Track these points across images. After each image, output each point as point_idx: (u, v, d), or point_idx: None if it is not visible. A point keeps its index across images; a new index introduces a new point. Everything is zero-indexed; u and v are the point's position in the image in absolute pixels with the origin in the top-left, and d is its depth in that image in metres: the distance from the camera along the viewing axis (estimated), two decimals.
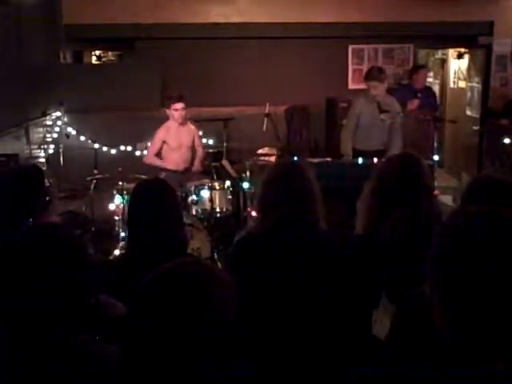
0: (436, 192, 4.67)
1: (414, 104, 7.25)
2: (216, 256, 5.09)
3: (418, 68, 7.89)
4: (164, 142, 5.87)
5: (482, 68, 8.67)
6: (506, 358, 1.13)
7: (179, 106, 5.74)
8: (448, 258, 1.19)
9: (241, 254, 2.66)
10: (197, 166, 6.02)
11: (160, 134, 5.85)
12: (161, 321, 1.27)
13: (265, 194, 2.67)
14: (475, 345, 1.15)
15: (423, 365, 1.27)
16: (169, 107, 5.80)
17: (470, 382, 1.15)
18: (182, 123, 5.85)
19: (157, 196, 2.58)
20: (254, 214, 5.52)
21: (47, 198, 2.68)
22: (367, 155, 5.53)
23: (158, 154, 5.92)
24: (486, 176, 2.42)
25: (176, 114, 5.75)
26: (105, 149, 7.02)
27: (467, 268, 1.15)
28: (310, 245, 2.56)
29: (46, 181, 2.78)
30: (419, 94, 7.37)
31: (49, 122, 7.27)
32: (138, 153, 7.10)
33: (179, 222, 2.63)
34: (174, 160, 5.86)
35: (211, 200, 5.35)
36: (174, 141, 5.86)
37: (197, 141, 6.06)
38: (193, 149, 6.03)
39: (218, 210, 5.48)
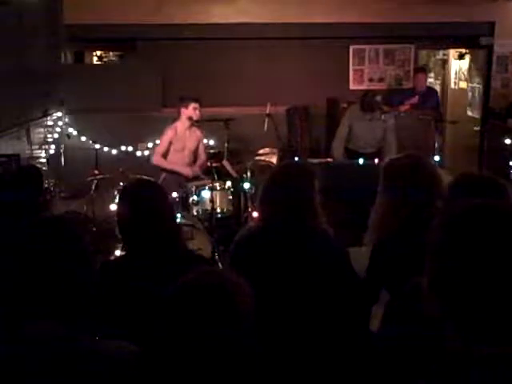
0: None
1: (410, 101, 7.26)
2: (217, 257, 5.09)
3: (416, 72, 7.91)
4: (170, 142, 5.89)
5: (483, 69, 8.66)
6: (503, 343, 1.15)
7: (197, 105, 5.82)
8: (446, 250, 1.20)
9: (240, 250, 2.68)
10: (197, 168, 6.03)
11: (168, 135, 5.87)
12: (189, 332, 1.32)
13: (266, 193, 2.68)
14: (474, 335, 1.16)
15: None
16: (186, 107, 5.82)
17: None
18: (190, 126, 5.88)
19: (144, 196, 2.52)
20: (254, 214, 5.56)
21: (47, 198, 2.69)
22: (361, 156, 5.63)
23: (163, 155, 5.95)
24: (466, 175, 2.42)
25: (195, 113, 5.81)
26: (106, 149, 7.03)
27: (465, 260, 1.16)
28: (307, 242, 2.57)
29: (46, 181, 2.78)
30: (417, 96, 7.37)
31: (50, 123, 7.27)
32: (138, 153, 7.10)
33: (171, 223, 2.56)
34: (176, 161, 5.88)
35: (212, 200, 5.35)
36: (179, 143, 5.89)
37: (201, 147, 6.12)
38: (195, 153, 6.08)
39: (218, 210, 5.49)
